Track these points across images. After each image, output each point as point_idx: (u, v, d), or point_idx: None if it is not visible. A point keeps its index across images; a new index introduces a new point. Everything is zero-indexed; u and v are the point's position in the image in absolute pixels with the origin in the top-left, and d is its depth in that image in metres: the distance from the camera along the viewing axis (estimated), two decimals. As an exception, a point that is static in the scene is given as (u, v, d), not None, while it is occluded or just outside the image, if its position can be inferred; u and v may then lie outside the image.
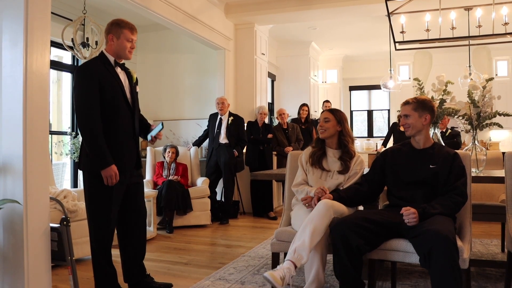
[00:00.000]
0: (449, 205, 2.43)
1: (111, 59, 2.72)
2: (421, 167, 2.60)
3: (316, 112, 8.97)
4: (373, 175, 2.77)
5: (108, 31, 2.72)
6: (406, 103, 2.71)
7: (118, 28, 2.69)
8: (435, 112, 2.72)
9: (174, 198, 5.23)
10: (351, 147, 2.92)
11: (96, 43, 5.27)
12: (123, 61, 2.81)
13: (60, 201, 3.08)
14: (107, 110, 2.61)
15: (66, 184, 6.11)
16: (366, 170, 2.98)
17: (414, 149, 2.70)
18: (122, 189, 2.73)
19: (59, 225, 2.61)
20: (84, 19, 5.05)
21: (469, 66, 6.64)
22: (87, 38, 5.25)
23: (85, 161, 2.68)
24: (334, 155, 2.92)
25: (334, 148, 2.94)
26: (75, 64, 6.11)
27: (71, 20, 5.22)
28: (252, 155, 6.30)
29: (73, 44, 4.94)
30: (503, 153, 4.47)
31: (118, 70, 2.75)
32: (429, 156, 2.62)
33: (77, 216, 3.68)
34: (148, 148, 6.03)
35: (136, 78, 2.90)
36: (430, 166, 2.57)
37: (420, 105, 2.63)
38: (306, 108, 7.10)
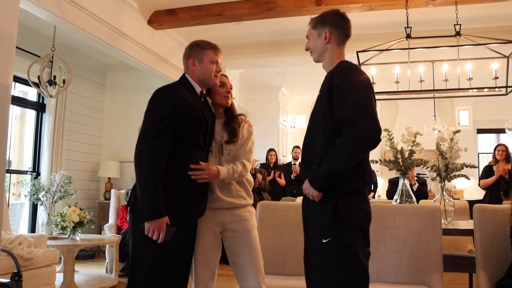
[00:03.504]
0: (332, 158, 1.84)
1: (197, 88, 2.26)
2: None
3: (284, 157, 8.97)
4: None
5: (188, 55, 2.28)
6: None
7: (199, 49, 2.26)
8: (341, 24, 2.05)
9: (138, 244, 4.99)
10: (234, 109, 2.51)
11: (64, 81, 5.15)
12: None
13: (13, 252, 2.86)
14: (180, 147, 2.15)
15: (23, 225, 5.78)
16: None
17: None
18: (177, 244, 2.17)
19: (9, 280, 2.39)
20: (52, 56, 4.94)
21: (434, 116, 6.86)
22: (55, 76, 5.13)
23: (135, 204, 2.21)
24: (219, 124, 2.43)
25: (221, 118, 2.46)
26: (40, 101, 5.93)
27: (39, 57, 5.10)
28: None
29: (39, 81, 4.79)
30: (469, 201, 4.55)
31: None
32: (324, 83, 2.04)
33: (33, 265, 3.44)
34: (112, 190, 5.78)
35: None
36: (319, 94, 2.03)
37: (319, 20, 2.06)
38: (274, 153, 7.08)
